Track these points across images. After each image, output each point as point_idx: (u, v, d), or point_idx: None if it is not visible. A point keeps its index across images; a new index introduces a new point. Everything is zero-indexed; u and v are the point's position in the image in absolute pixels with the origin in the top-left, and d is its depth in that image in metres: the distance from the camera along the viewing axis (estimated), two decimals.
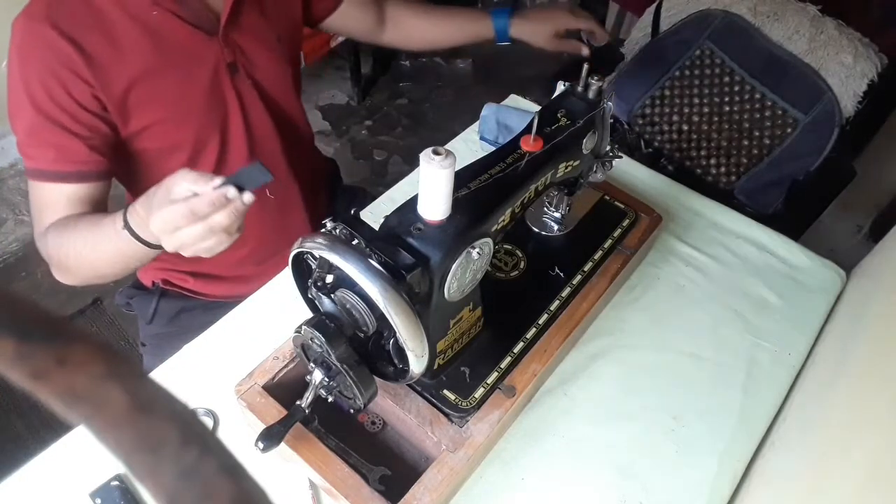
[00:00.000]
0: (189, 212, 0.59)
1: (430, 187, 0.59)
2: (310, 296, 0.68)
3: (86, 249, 0.75)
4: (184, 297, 1.06)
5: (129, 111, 0.81)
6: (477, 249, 0.64)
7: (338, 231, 0.61)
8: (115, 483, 0.70)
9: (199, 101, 0.86)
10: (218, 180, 0.59)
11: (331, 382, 0.66)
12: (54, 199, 0.81)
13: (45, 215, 0.81)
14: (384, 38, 1.14)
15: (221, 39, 0.85)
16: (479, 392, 0.73)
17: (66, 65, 0.75)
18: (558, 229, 0.93)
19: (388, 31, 1.12)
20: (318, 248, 0.60)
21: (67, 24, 0.75)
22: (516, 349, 0.78)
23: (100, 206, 0.83)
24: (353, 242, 0.60)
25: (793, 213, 1.34)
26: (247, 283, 1.03)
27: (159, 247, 0.70)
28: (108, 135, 0.82)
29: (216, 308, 1.03)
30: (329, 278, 0.66)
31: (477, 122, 1.19)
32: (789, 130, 1.36)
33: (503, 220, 0.70)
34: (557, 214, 0.93)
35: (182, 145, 0.87)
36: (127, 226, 0.70)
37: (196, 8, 0.82)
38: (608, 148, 0.86)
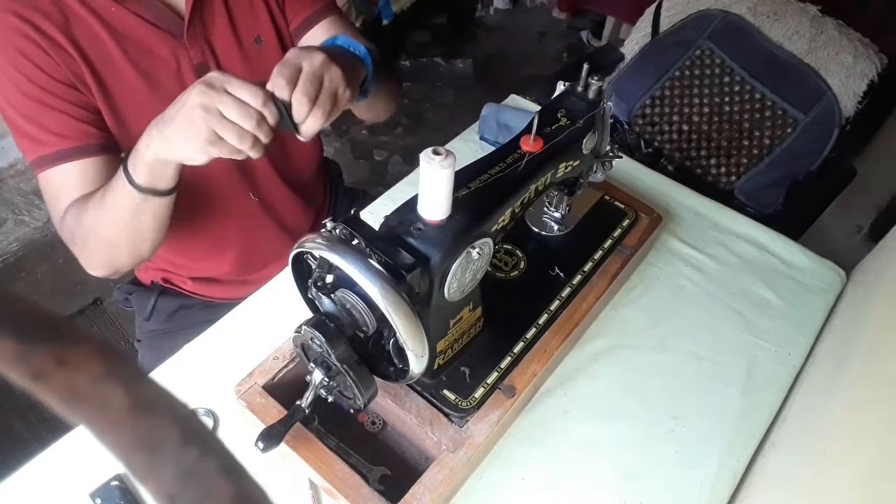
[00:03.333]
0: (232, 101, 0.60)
1: (430, 187, 0.59)
2: (310, 296, 0.68)
3: (98, 214, 0.75)
4: (183, 296, 1.06)
5: (94, 100, 0.79)
6: (477, 249, 0.64)
7: (338, 231, 0.61)
8: (115, 483, 0.70)
9: (165, 101, 0.84)
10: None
11: (331, 382, 0.66)
12: (65, 181, 0.79)
13: (60, 201, 0.80)
14: None
15: (187, 40, 0.83)
16: (479, 392, 0.73)
17: (35, 47, 0.74)
18: (558, 229, 0.93)
19: None
20: (318, 248, 0.60)
21: (28, 12, 0.74)
22: (516, 349, 0.78)
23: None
24: (353, 242, 0.60)
25: (793, 213, 1.34)
26: (245, 286, 1.03)
27: (161, 192, 0.71)
28: (93, 106, 0.80)
29: (215, 308, 1.03)
30: (329, 278, 0.66)
31: (477, 122, 1.19)
32: (789, 130, 1.36)
33: (503, 220, 0.70)
34: (557, 214, 0.93)
35: None
36: (124, 167, 0.70)
37: (157, 8, 0.80)
38: (608, 148, 0.86)
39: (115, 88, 0.80)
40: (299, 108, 0.64)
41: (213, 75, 0.62)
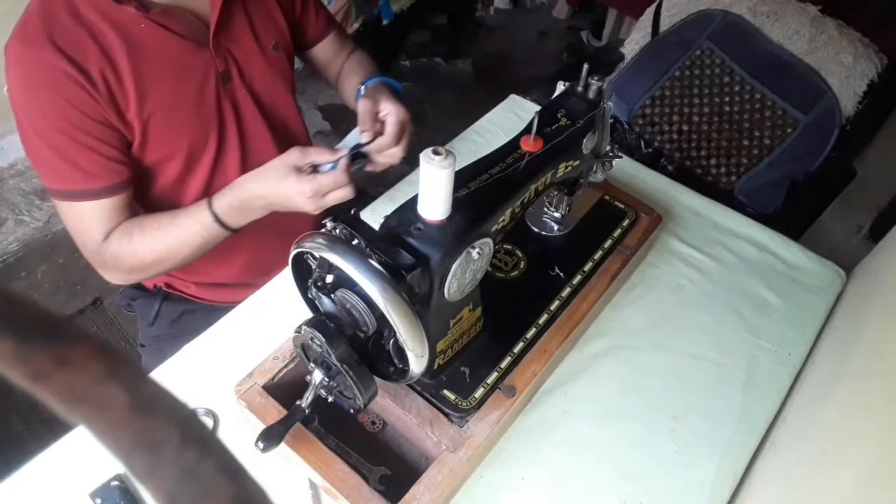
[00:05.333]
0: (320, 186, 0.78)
1: (430, 187, 0.59)
2: (310, 296, 0.68)
3: (168, 248, 0.84)
4: (186, 301, 1.06)
5: (128, 124, 0.81)
6: (477, 249, 0.64)
7: (338, 231, 0.61)
8: (115, 483, 0.70)
9: (190, 111, 0.85)
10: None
11: (331, 382, 0.66)
12: (94, 215, 0.83)
13: (93, 230, 0.84)
14: (333, 84, 1.15)
15: (212, 49, 0.85)
16: (479, 392, 0.73)
17: (74, 85, 0.75)
18: (558, 229, 0.93)
19: (339, 84, 1.13)
20: (318, 248, 0.60)
21: (66, 44, 0.74)
22: (516, 349, 0.78)
23: (134, 207, 0.87)
24: (353, 242, 0.60)
25: (793, 213, 1.34)
26: (250, 289, 1.03)
27: (239, 229, 0.85)
28: (124, 141, 0.83)
29: (219, 312, 1.03)
30: (329, 278, 0.66)
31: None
32: (789, 130, 1.36)
33: (503, 220, 0.70)
34: (557, 214, 0.93)
35: (176, 155, 0.87)
36: (217, 220, 0.82)
37: (185, 19, 0.81)
38: (608, 148, 0.86)
39: (144, 103, 0.81)
40: (396, 154, 0.86)
41: (314, 186, 0.78)
